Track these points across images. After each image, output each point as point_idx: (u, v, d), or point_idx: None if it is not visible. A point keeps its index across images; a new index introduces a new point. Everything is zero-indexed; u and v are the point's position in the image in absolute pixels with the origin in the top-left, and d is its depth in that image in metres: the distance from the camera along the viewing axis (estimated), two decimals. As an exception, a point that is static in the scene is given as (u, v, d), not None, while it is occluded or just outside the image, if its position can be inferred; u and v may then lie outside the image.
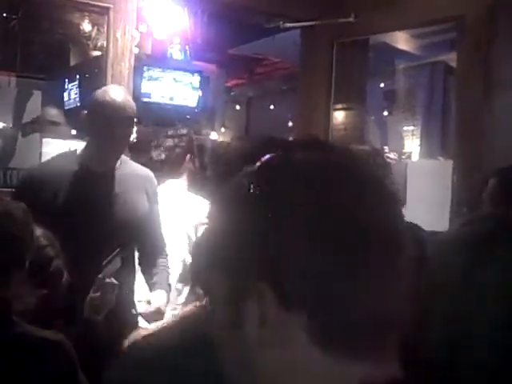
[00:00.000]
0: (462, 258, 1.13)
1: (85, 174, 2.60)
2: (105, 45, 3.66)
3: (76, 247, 2.21)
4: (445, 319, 1.15)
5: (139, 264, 2.81)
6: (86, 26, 6.12)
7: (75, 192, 2.55)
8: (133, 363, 1.06)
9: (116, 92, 2.59)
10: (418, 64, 9.56)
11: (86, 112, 2.60)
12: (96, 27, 6.11)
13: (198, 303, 1.98)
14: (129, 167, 2.74)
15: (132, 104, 2.62)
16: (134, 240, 2.72)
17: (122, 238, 2.61)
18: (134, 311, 2.69)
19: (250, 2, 4.08)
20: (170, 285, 2.79)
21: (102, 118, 2.53)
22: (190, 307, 2.02)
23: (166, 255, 2.84)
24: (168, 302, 2.68)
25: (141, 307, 2.61)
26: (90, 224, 2.49)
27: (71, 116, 6.33)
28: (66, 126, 6.04)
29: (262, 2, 4.07)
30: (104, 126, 2.53)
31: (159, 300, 2.61)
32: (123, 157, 2.73)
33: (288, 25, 4.29)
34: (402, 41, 7.00)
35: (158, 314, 2.54)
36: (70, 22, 6.32)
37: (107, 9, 3.49)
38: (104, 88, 2.66)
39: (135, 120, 2.66)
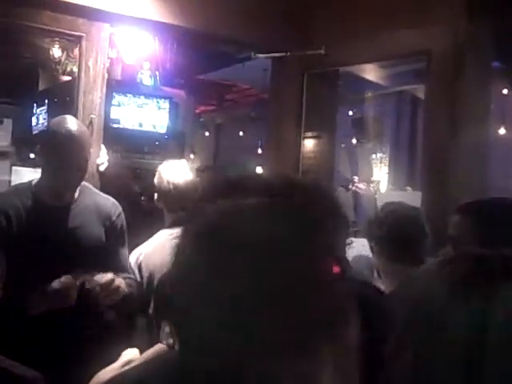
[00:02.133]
0: (439, 296, 1.14)
1: (38, 207, 2.54)
2: (74, 69, 3.65)
3: (29, 281, 2.19)
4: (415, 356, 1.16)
5: None
6: (56, 52, 6.09)
7: (27, 226, 2.48)
8: None
9: (68, 122, 2.53)
10: (385, 93, 9.70)
11: (39, 145, 2.56)
12: (66, 52, 6.09)
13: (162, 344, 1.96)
14: (88, 198, 2.67)
15: (86, 135, 2.58)
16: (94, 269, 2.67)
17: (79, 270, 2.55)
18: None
19: (221, 32, 4.11)
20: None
21: (53, 149, 2.49)
22: (155, 348, 2.00)
23: (134, 280, 2.80)
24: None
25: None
26: (44, 259, 2.42)
27: (39, 141, 6.26)
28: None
29: (233, 33, 4.11)
30: (55, 158, 2.48)
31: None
32: (84, 186, 2.67)
33: (259, 55, 4.33)
34: (369, 71, 7.09)
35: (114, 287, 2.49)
36: (40, 47, 6.28)
37: (80, 37, 3.49)
38: (56, 118, 2.61)
39: (89, 151, 2.60)
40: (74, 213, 2.59)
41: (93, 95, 3.46)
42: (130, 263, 2.85)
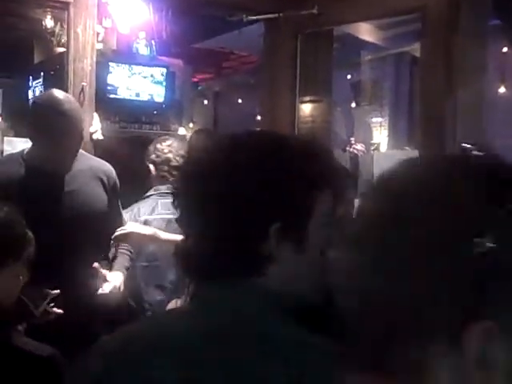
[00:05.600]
0: None
1: (32, 175, 2.55)
2: (69, 41, 3.61)
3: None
4: None
5: None
6: (49, 22, 6.03)
7: (25, 194, 2.48)
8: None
9: (56, 95, 2.54)
10: (383, 55, 9.61)
11: (29, 117, 2.56)
12: (59, 23, 6.02)
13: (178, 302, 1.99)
14: (83, 162, 2.70)
15: (75, 106, 2.58)
16: (97, 233, 2.70)
17: (83, 235, 2.58)
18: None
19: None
20: (127, 267, 2.89)
21: (44, 121, 2.49)
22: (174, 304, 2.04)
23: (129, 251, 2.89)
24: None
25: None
26: (46, 226, 2.40)
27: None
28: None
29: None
30: (47, 130, 2.49)
31: (116, 279, 2.68)
32: (78, 152, 2.69)
33: (251, 18, 4.27)
34: (366, 32, 7.01)
35: (114, 292, 2.63)
36: (32, 19, 6.22)
37: (67, 4, 3.44)
38: (43, 93, 2.63)
39: (82, 122, 2.62)
40: (69, 177, 2.62)
41: (83, 63, 3.43)
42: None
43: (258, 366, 0.94)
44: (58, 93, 2.60)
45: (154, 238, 2.67)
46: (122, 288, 2.70)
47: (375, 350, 0.59)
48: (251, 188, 1.02)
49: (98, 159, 2.85)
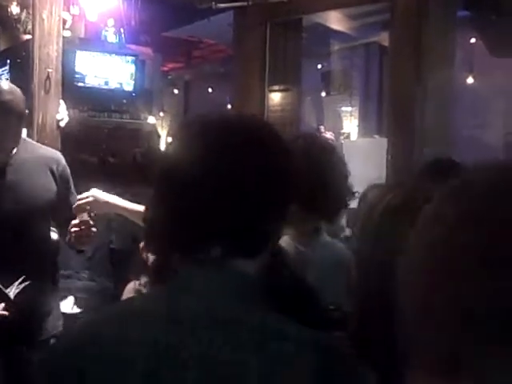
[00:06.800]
0: None
1: None
2: (35, 28, 3.55)
3: None
4: None
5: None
6: (14, 9, 5.93)
7: None
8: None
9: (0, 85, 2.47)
10: (353, 45, 9.64)
11: None
12: (25, 10, 5.93)
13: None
14: (29, 151, 2.64)
15: (17, 99, 2.50)
16: (44, 223, 2.65)
17: (28, 225, 2.52)
18: None
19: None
20: None
21: None
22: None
23: None
24: None
25: None
26: None
27: None
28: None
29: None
30: None
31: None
32: (23, 141, 2.64)
33: (220, 5, 4.26)
34: (336, 22, 7.02)
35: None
36: (-2, 5, 6.12)
37: (33, -12, 3.39)
38: None
39: (22, 114, 2.55)
40: (13, 169, 2.56)
41: (48, 49, 3.38)
42: None
43: (232, 354, 0.93)
44: (3, 84, 2.55)
45: (115, 206, 2.59)
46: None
47: (449, 353, 0.58)
48: (248, 170, 1.02)
49: (46, 147, 2.79)
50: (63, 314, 2.84)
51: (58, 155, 2.75)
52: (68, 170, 2.75)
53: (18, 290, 2.37)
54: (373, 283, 1.18)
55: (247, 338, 0.95)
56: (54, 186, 2.65)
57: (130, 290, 2.46)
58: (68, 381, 1.00)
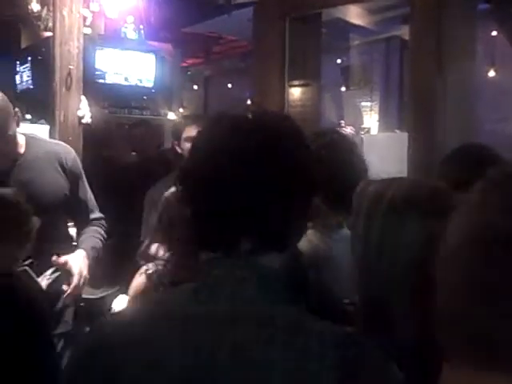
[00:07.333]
0: None
1: None
2: (55, 25, 3.56)
3: None
4: None
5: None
6: (35, 6, 5.96)
7: None
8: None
9: None
10: (373, 39, 9.59)
11: None
12: (46, 7, 5.96)
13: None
14: (37, 148, 2.60)
15: (2, 99, 2.41)
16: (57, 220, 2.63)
17: (43, 224, 2.50)
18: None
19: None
20: (101, 240, 2.74)
21: None
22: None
23: (101, 225, 2.79)
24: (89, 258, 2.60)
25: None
26: None
27: (24, 99, 6.20)
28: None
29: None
30: None
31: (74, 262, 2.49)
32: (31, 138, 2.61)
33: (240, 1, 4.25)
34: (356, 16, 7.00)
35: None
36: (18, 3, 6.16)
37: (53, -14, 3.41)
38: None
39: (10, 123, 2.44)
40: (22, 168, 2.53)
41: (69, 46, 3.40)
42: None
43: (259, 351, 0.93)
44: None
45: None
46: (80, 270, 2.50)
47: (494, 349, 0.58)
48: (274, 167, 1.02)
49: (55, 142, 2.75)
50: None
51: (68, 148, 2.72)
52: (79, 163, 2.72)
53: (49, 281, 2.38)
54: (378, 279, 1.18)
55: (278, 335, 0.94)
56: (65, 181, 2.62)
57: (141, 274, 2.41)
58: (100, 381, 0.99)
